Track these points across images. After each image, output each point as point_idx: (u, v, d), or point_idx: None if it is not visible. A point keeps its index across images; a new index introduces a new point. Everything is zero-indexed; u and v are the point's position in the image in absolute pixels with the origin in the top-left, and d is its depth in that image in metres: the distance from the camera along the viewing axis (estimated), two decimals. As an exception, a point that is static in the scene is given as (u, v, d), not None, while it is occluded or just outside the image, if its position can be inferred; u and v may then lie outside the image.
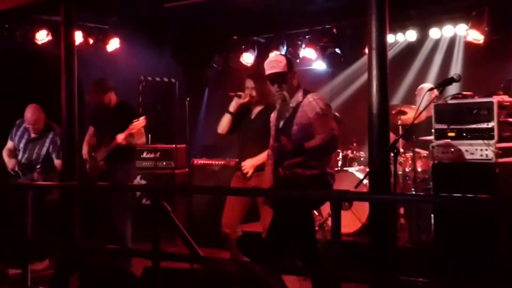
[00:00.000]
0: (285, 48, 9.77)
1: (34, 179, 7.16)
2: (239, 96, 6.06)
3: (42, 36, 8.44)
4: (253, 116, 6.18)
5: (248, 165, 5.99)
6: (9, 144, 7.56)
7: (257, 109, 6.17)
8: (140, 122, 6.78)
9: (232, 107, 6.10)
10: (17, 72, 8.71)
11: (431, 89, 5.07)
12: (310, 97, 5.16)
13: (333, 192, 4.45)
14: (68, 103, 6.60)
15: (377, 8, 4.99)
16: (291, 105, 5.19)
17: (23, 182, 7.08)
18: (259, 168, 5.90)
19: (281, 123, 5.21)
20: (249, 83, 6.10)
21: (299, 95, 5.21)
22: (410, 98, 8.47)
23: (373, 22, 4.98)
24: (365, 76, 9.65)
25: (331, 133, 4.97)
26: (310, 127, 5.06)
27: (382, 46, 4.97)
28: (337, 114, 7.40)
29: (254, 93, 6.05)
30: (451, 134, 6.17)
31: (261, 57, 9.94)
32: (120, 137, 6.72)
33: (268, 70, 5.21)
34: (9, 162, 7.45)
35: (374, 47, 4.96)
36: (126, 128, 6.77)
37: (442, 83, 4.92)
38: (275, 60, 5.25)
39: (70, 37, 6.66)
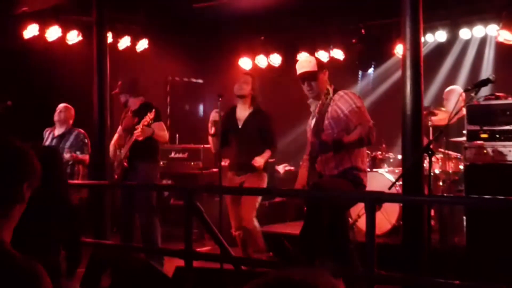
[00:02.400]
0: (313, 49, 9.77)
1: (65, 159, 7.17)
2: (215, 120, 6.40)
3: (73, 37, 8.50)
4: (240, 124, 6.47)
5: (260, 160, 6.26)
6: None
7: (245, 113, 6.46)
8: (149, 115, 6.74)
9: (210, 129, 6.45)
10: (47, 73, 8.81)
11: (466, 90, 5.01)
12: (341, 92, 5.21)
13: (368, 193, 4.43)
14: (100, 103, 6.65)
15: (411, 9, 4.98)
16: (322, 101, 5.23)
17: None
18: (249, 168, 6.29)
19: (313, 121, 5.26)
20: (242, 79, 6.56)
21: (330, 92, 5.25)
22: (440, 99, 8.38)
23: (407, 22, 4.97)
24: (393, 77, 9.73)
25: (368, 126, 4.98)
26: (344, 121, 5.07)
27: (416, 47, 4.95)
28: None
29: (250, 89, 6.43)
30: (484, 135, 6.10)
31: (288, 58, 9.96)
32: (136, 134, 6.69)
33: (299, 70, 5.33)
34: None
35: (408, 47, 4.94)
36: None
37: (478, 84, 4.87)
38: (305, 60, 5.40)
39: (103, 37, 6.71)
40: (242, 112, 6.50)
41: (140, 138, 6.70)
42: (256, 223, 6.41)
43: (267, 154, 6.34)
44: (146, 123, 6.70)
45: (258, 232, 6.43)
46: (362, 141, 5.03)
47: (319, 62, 5.35)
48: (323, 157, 5.13)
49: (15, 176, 2.19)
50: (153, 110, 6.72)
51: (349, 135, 5.04)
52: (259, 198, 6.54)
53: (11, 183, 2.18)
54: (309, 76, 5.25)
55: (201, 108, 11.33)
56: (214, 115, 6.41)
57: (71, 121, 7.53)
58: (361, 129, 4.99)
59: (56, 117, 7.46)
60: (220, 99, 6.38)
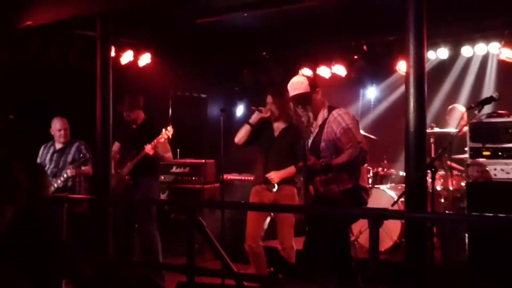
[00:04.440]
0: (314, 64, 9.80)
1: (68, 175, 7.16)
2: (260, 111, 6.32)
3: (77, 51, 8.51)
4: (276, 134, 6.40)
5: (275, 175, 6.19)
6: None
7: (280, 126, 6.39)
8: (168, 131, 6.81)
9: (253, 119, 6.37)
10: (49, 86, 8.81)
11: (470, 108, 5.02)
12: (335, 112, 5.19)
13: (371, 210, 4.43)
14: (103, 118, 6.66)
15: (415, 26, 4.99)
16: (317, 122, 5.22)
17: (58, 195, 7.13)
18: (282, 182, 6.18)
19: (309, 142, 5.26)
20: (269, 99, 6.34)
21: (324, 112, 5.24)
22: (441, 116, 8.41)
23: (411, 40, 4.98)
24: (395, 94, 9.75)
25: (359, 147, 4.98)
26: (338, 142, 5.07)
27: (420, 64, 4.96)
28: (371, 136, 7.45)
29: (274, 108, 6.27)
30: (486, 153, 6.13)
31: (290, 74, 9.97)
32: (149, 147, 6.75)
33: (291, 92, 5.31)
34: None
35: (412, 64, 4.95)
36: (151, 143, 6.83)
37: (482, 101, 4.88)
38: (297, 82, 5.33)
39: (106, 52, 6.73)
40: (279, 125, 6.44)
41: (151, 153, 6.76)
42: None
43: (287, 169, 6.25)
44: (163, 139, 6.76)
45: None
46: (351, 163, 5.03)
47: (311, 82, 5.31)
48: (323, 177, 5.12)
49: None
50: (169, 127, 6.79)
51: (340, 157, 5.04)
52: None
53: None
54: (302, 99, 5.24)
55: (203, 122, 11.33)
56: (265, 111, 6.31)
57: (69, 132, 7.54)
58: (351, 150, 5.00)
59: (62, 139, 7.44)
60: (223, 114, 6.39)
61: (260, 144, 6.42)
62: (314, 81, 5.41)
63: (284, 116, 6.35)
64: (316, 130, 5.22)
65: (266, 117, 6.29)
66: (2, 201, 2.07)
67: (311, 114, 5.24)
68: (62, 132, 7.44)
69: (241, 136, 6.40)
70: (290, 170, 6.24)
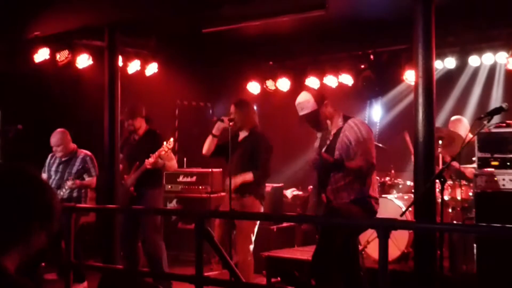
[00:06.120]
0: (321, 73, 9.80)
1: (68, 187, 7.12)
2: (222, 121, 6.44)
3: (83, 60, 8.53)
4: (238, 142, 6.51)
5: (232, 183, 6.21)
6: (43, 176, 7.58)
7: (243, 134, 6.48)
8: (168, 144, 6.80)
9: (215, 129, 6.48)
10: (57, 96, 8.84)
11: (479, 118, 5.01)
12: (351, 122, 5.21)
13: (381, 221, 4.41)
14: (111, 127, 6.66)
15: (424, 36, 5.00)
16: (332, 132, 5.24)
17: (66, 204, 7.12)
18: (242, 191, 6.24)
19: (323, 150, 5.26)
20: (232, 108, 6.47)
21: (339, 121, 5.25)
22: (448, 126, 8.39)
23: (420, 49, 4.99)
24: (402, 104, 9.74)
25: (370, 162, 5.00)
26: (352, 151, 5.08)
27: (429, 74, 4.97)
28: (380, 145, 7.44)
29: (236, 118, 6.36)
30: (495, 163, 6.10)
31: (296, 83, 9.98)
32: (149, 162, 6.73)
33: (299, 112, 5.37)
34: None
35: (420, 74, 4.95)
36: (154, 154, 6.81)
37: (491, 112, 4.87)
38: (304, 101, 5.34)
39: (114, 61, 6.75)
40: (242, 134, 6.53)
41: (151, 168, 6.74)
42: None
43: (242, 176, 6.29)
44: (163, 153, 6.74)
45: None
46: (360, 172, 5.05)
47: (317, 97, 5.32)
48: (334, 186, 5.13)
49: (21, 210, 1.93)
50: (170, 140, 6.78)
51: (352, 161, 5.06)
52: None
53: (13, 217, 1.91)
54: (310, 117, 5.28)
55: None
56: (226, 121, 6.38)
57: (71, 145, 7.46)
58: (363, 161, 5.01)
59: (59, 154, 7.37)
60: (231, 124, 6.39)
61: (229, 153, 6.45)
62: (321, 95, 5.41)
63: (247, 125, 6.43)
64: (331, 138, 5.24)
65: (230, 126, 6.32)
66: (30, 226, 1.95)
67: (328, 122, 5.26)
68: (58, 148, 7.36)
69: (206, 147, 6.56)
70: (246, 176, 6.27)
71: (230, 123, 6.30)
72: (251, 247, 6.33)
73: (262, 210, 6.38)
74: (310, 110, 5.24)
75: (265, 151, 6.41)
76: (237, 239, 6.34)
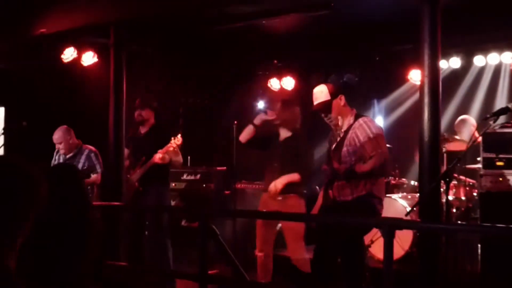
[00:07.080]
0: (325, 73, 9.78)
1: None
2: (265, 113, 6.41)
3: (88, 58, 8.53)
4: (280, 141, 6.41)
5: (274, 184, 6.10)
6: None
7: (285, 134, 6.39)
8: (177, 140, 6.78)
9: (256, 120, 6.39)
10: (62, 93, 8.85)
11: (485, 119, 5.00)
12: (361, 120, 5.22)
13: (386, 220, 4.42)
14: (116, 124, 6.66)
15: (430, 36, 5.00)
16: (343, 128, 5.26)
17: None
18: (285, 191, 6.09)
19: (333, 147, 5.29)
20: (278, 104, 6.43)
21: (350, 118, 5.27)
22: (454, 125, 8.38)
23: (426, 49, 4.99)
24: (407, 103, 9.73)
25: (383, 158, 4.97)
26: (361, 150, 5.08)
27: (434, 74, 4.97)
28: (388, 145, 7.41)
29: (280, 113, 6.31)
30: (500, 163, 6.10)
31: (301, 82, 9.98)
32: (158, 156, 6.71)
33: (314, 102, 5.40)
34: None
35: (426, 74, 4.95)
36: (161, 149, 6.78)
37: (497, 112, 4.86)
38: (318, 91, 5.41)
39: (120, 59, 6.75)
40: (285, 134, 6.43)
41: (160, 162, 6.71)
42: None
43: (287, 176, 6.15)
44: (171, 149, 6.72)
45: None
46: (375, 172, 5.04)
47: (331, 90, 5.35)
48: (339, 182, 5.15)
49: (25, 207, 1.99)
50: (180, 135, 6.77)
51: (364, 164, 5.05)
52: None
53: (19, 214, 1.98)
54: (323, 107, 5.30)
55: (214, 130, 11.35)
56: (270, 114, 6.37)
57: (74, 141, 7.39)
58: (375, 160, 5.00)
59: (62, 151, 7.31)
60: (236, 122, 6.38)
61: (269, 152, 6.43)
62: (337, 88, 5.43)
63: (289, 124, 6.36)
64: (341, 135, 5.26)
65: (271, 120, 6.31)
66: (29, 217, 2.00)
67: (340, 118, 5.28)
68: (60, 145, 7.33)
69: (244, 134, 6.45)
70: (293, 176, 6.14)
71: (273, 117, 6.30)
72: (303, 244, 6.29)
73: (305, 209, 6.30)
74: (322, 100, 5.29)
75: (309, 152, 6.42)
76: (287, 239, 6.28)
